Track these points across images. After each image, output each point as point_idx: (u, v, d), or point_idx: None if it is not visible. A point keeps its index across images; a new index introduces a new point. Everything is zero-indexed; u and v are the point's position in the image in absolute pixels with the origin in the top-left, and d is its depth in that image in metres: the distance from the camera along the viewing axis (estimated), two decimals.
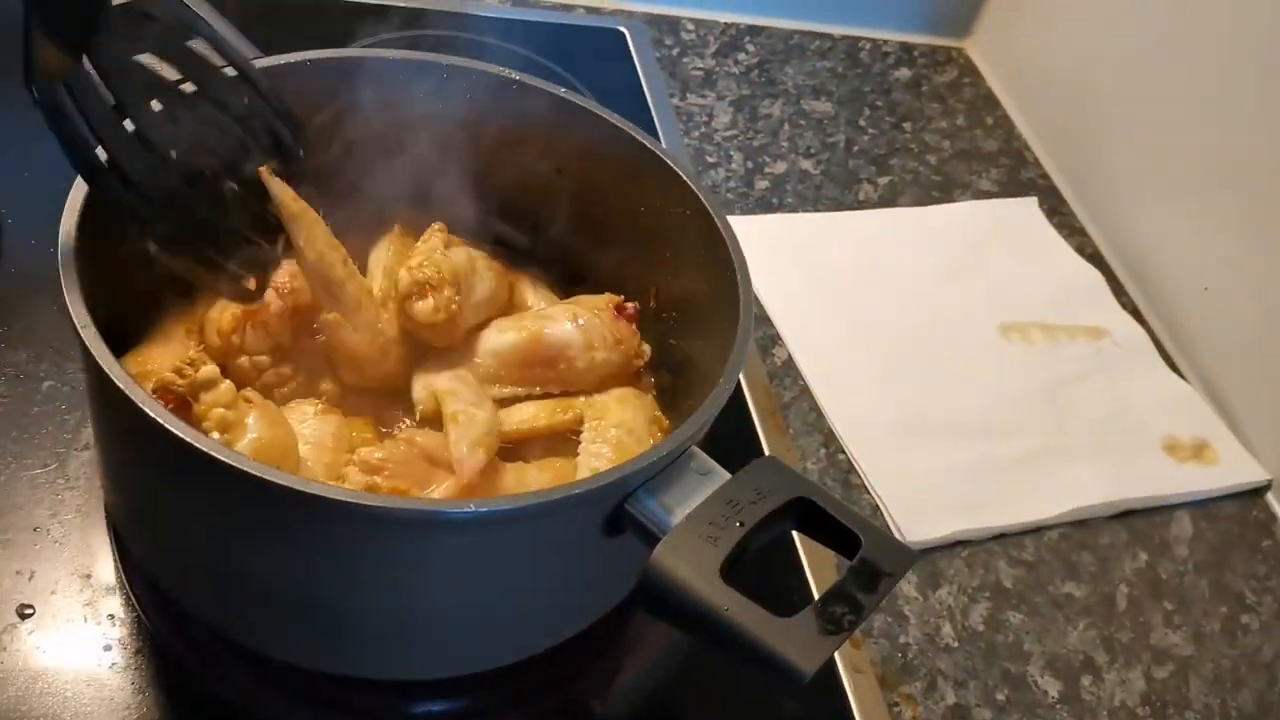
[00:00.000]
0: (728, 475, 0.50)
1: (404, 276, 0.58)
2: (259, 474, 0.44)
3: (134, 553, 0.57)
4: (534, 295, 0.66)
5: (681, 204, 0.62)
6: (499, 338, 0.61)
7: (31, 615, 0.56)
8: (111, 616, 0.57)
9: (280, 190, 0.56)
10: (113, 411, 0.49)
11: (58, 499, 0.61)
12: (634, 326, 0.63)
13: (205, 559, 0.53)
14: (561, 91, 0.66)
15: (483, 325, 0.62)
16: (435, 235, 0.62)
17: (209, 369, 0.52)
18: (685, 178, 0.62)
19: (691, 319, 0.64)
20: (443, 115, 0.65)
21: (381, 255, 0.64)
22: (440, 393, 0.57)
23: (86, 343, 0.46)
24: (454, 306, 0.58)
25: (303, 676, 0.55)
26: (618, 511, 0.50)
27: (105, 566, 0.59)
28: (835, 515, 0.49)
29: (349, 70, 0.63)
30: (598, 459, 0.58)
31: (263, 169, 0.55)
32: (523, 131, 0.66)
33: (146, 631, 0.57)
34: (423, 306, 0.58)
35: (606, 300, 0.64)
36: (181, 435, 0.44)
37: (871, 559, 0.48)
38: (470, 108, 0.66)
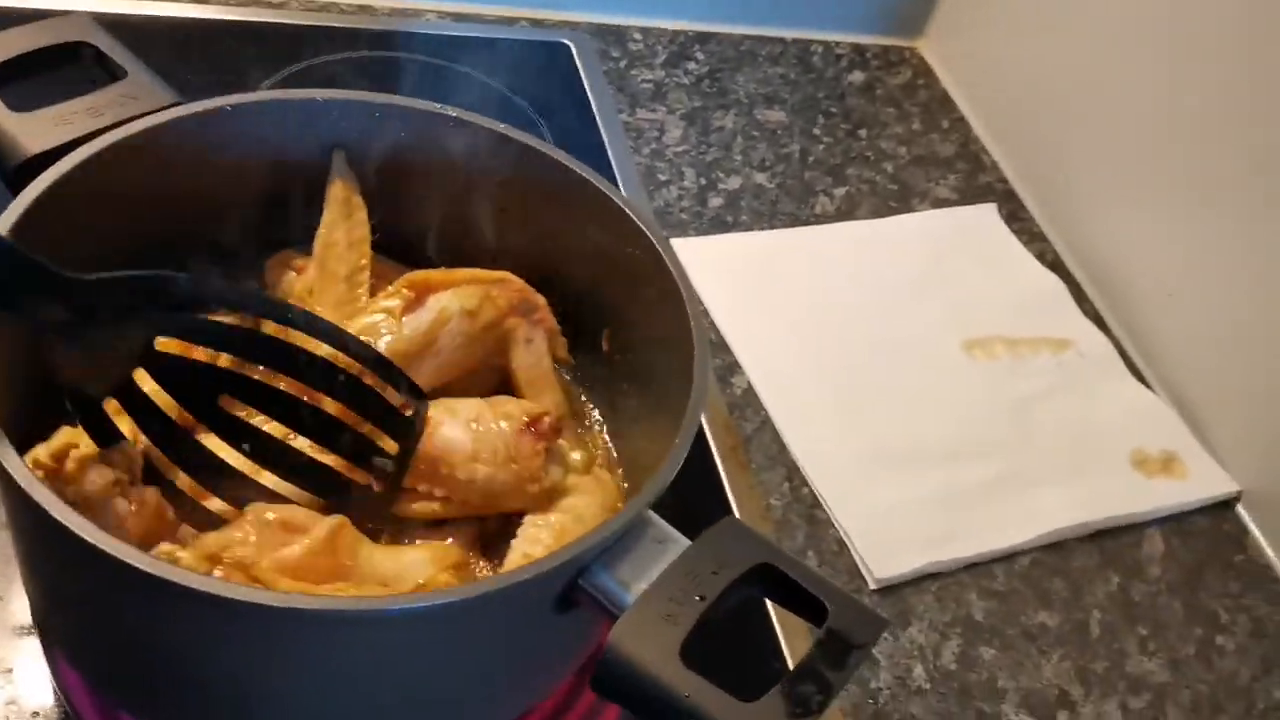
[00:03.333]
0: (686, 542, 0.48)
1: None
2: (183, 581, 0.41)
3: (58, 647, 0.54)
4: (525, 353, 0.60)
5: (632, 244, 0.60)
6: None
7: None
8: (36, 714, 0.54)
9: (338, 171, 0.59)
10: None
11: None
12: (541, 447, 0.54)
13: (138, 662, 0.50)
14: (500, 127, 0.63)
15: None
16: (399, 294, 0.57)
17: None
18: (634, 217, 0.59)
19: (644, 364, 0.62)
20: (384, 154, 0.62)
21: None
22: None
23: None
24: None
25: None
26: (570, 587, 0.47)
27: (26, 663, 0.56)
28: (800, 582, 0.47)
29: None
30: (534, 544, 0.53)
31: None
32: (456, 166, 0.63)
33: None
34: None
35: (522, 410, 0.55)
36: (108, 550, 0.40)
37: (839, 629, 0.45)
38: (405, 146, 0.63)
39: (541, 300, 0.61)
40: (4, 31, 0.61)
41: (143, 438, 0.48)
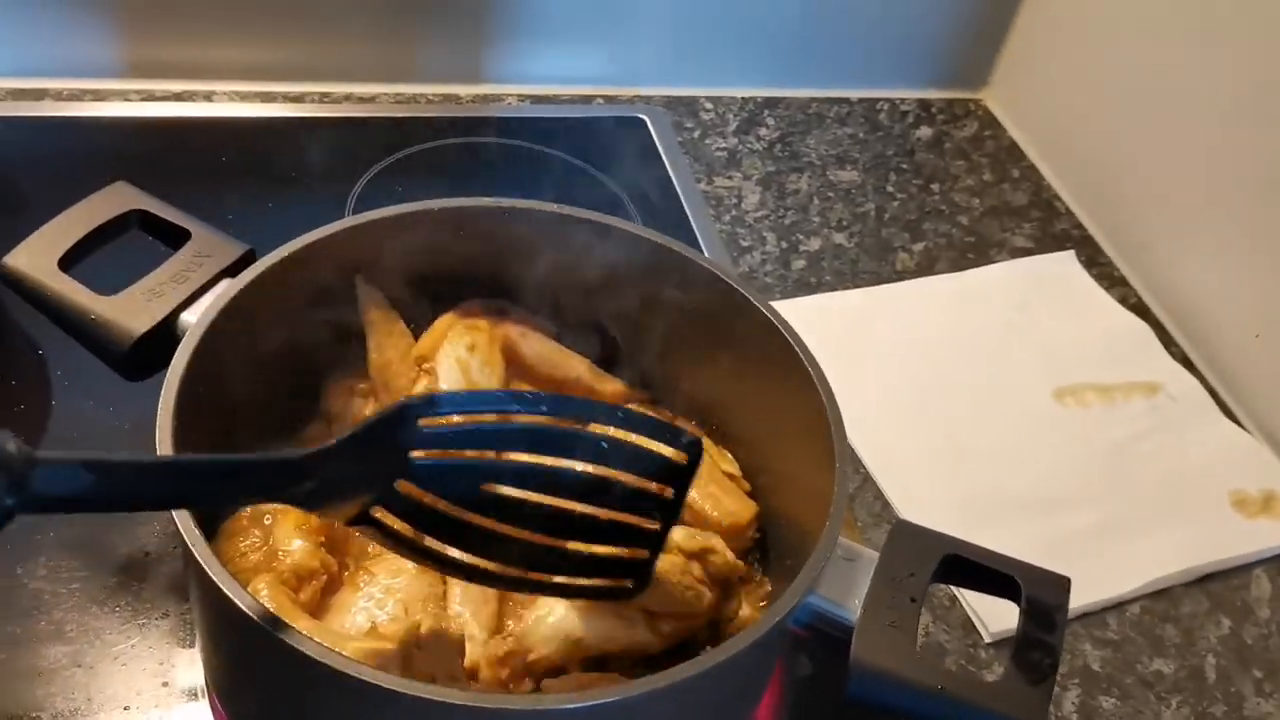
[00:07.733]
0: (872, 554, 0.51)
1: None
2: (367, 678, 0.42)
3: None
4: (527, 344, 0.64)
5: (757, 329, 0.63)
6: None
7: None
8: None
9: (366, 296, 0.61)
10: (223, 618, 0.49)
11: (143, 670, 0.61)
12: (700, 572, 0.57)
13: None
14: (631, 227, 0.64)
15: None
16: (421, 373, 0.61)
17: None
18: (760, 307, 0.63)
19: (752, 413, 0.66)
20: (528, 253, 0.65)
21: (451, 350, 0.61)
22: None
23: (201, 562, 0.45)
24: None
25: None
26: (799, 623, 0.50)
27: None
28: (986, 564, 0.51)
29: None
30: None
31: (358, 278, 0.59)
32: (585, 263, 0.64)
33: None
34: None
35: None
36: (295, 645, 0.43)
37: (1035, 595, 0.50)
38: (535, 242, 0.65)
39: (503, 303, 0.65)
40: (58, 218, 0.60)
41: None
